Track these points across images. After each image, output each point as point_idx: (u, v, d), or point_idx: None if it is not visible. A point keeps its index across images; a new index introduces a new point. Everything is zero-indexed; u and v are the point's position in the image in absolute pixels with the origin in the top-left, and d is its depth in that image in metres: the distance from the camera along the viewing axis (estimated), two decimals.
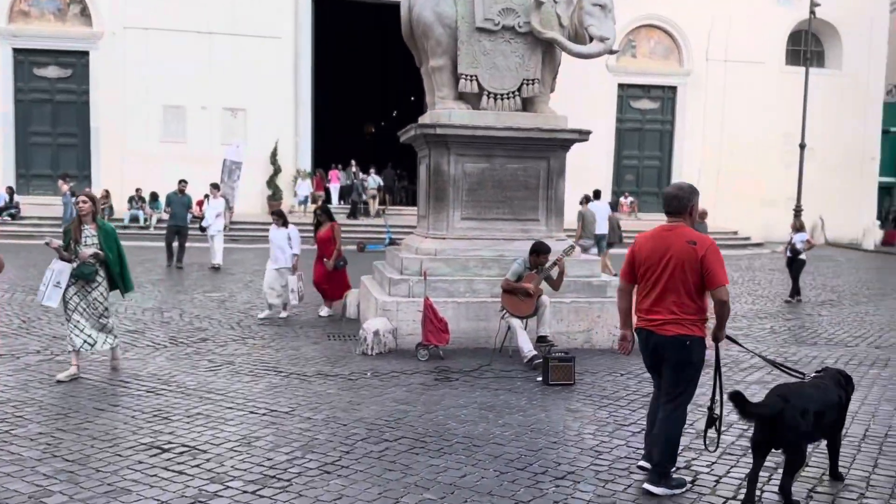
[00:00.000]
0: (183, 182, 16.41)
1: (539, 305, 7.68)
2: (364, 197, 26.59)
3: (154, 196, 22.92)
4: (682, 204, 4.32)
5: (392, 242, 20.83)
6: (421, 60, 9.59)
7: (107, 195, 22.53)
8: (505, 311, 7.67)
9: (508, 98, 8.89)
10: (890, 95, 32.82)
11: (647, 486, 4.29)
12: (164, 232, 16.75)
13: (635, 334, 4.51)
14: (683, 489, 4.30)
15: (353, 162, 28.07)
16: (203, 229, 16.12)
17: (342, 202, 27.18)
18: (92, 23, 25.25)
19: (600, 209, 15.21)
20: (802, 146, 24.50)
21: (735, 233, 27.03)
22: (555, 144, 8.95)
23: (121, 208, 22.93)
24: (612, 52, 9.19)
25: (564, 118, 9.09)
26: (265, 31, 25.84)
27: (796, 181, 25.78)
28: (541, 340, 7.65)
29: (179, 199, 16.21)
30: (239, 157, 24.12)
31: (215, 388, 6.37)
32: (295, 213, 26.32)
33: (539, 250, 7.68)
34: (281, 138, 26.44)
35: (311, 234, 11.17)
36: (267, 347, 8.26)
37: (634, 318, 4.55)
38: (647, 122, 29.68)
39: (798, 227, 13.88)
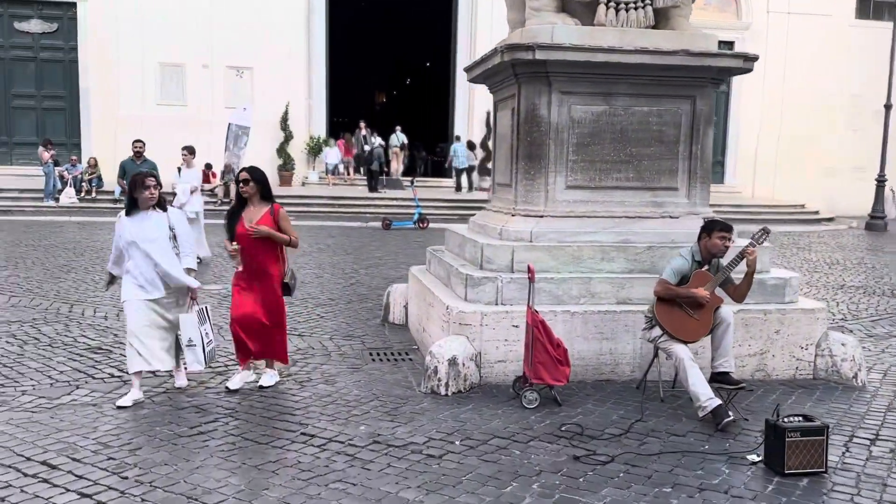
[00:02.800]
0: (139, 143, 11.30)
1: (717, 323, 4.90)
2: (389, 164, 23.74)
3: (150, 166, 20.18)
4: None
5: (421, 219, 18.14)
6: None
7: (94, 165, 19.84)
8: (661, 331, 4.89)
9: (636, 7, 6.03)
10: None
11: None
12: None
13: None
14: None
15: (361, 124, 24.88)
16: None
17: (358, 173, 24.28)
18: None
19: None
20: (888, 107, 21.38)
21: (802, 206, 24.05)
22: (704, 77, 6.11)
23: (111, 180, 20.12)
24: None
25: (714, 38, 6.25)
26: None
27: (864, 148, 22.78)
28: (720, 379, 4.88)
29: (137, 168, 10.71)
30: (246, 121, 21.27)
31: (198, 480, 3.64)
32: (308, 185, 23.57)
33: (720, 229, 4.88)
34: (292, 101, 23.54)
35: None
36: (285, 377, 5.54)
37: None
38: None
39: None
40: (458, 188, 23.28)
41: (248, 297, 5.21)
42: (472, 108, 25.02)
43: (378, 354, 6.39)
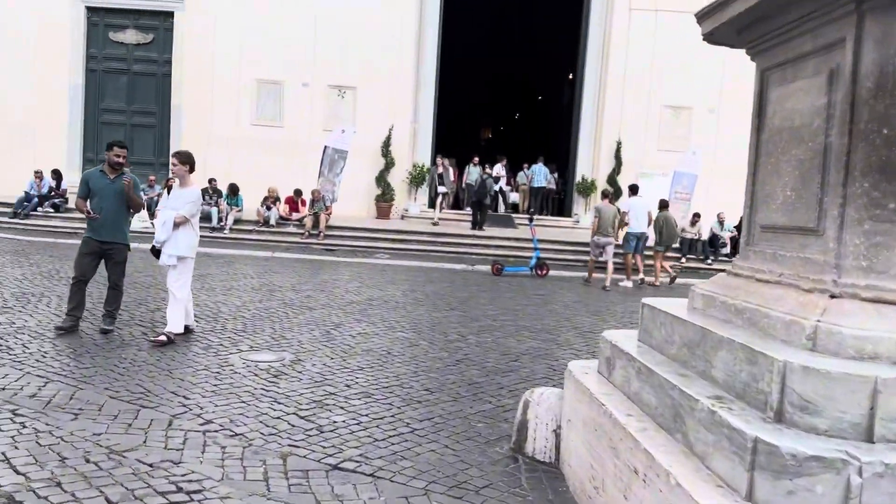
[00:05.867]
0: (118, 146, 7.03)
1: None
2: (507, 198, 20.74)
3: (233, 189, 17.95)
4: None
5: (540, 264, 14.90)
6: None
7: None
8: None
9: None
10: None
11: None
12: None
13: None
14: None
15: (476, 159, 22.33)
16: (156, 253, 6.96)
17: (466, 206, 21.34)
18: None
19: (640, 204, 14.59)
20: None
21: None
22: None
23: None
24: None
25: None
26: None
27: None
28: None
29: (109, 185, 6.96)
30: (344, 144, 18.85)
31: None
32: (408, 218, 20.76)
33: None
34: (396, 124, 20.97)
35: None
36: None
37: None
38: None
39: None
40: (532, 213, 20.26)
41: None
42: (598, 139, 21.70)
43: None
